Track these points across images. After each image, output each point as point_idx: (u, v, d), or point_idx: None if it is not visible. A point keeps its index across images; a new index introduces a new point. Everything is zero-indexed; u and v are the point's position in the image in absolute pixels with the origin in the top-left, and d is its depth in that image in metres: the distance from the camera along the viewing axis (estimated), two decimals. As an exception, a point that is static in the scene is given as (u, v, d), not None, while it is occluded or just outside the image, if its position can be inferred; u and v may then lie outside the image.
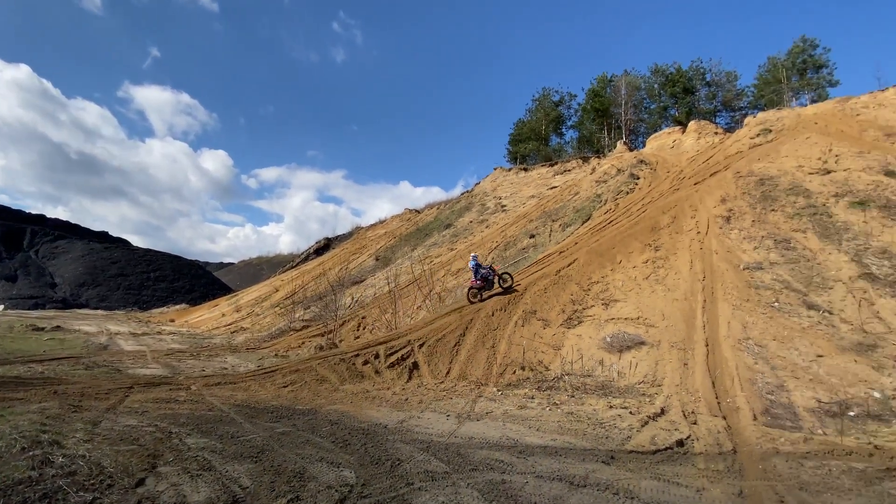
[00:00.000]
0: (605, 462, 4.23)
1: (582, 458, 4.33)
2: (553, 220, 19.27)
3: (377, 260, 26.52)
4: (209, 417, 5.54)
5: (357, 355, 9.91)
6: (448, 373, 9.26)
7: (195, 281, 50.53)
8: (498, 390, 7.89)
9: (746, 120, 21.16)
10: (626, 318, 9.29)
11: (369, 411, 6.32)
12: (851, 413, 5.68)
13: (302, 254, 41.66)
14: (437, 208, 32.51)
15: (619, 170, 21.53)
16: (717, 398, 6.26)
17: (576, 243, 14.47)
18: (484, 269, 11.76)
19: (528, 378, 8.36)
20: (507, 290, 11.61)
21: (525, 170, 31.29)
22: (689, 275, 10.17)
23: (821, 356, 6.88)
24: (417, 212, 34.80)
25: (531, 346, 9.28)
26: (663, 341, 8.19)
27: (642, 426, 5.28)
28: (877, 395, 6.01)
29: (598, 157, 28.22)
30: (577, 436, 5.03)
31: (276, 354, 12.66)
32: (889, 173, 12.09)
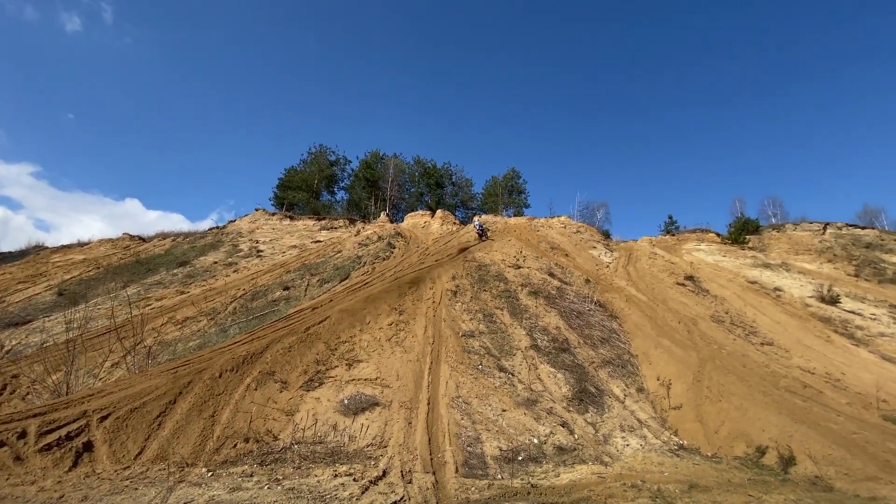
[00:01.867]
0: (319, 542, 3.92)
1: (294, 542, 3.90)
2: (312, 275, 18.80)
3: (61, 295, 19.29)
4: None
5: (-20, 436, 6.54)
6: (141, 453, 7.13)
7: None
8: (209, 471, 6.52)
9: (475, 218, 27.06)
10: (366, 379, 9.54)
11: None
12: (520, 458, 7.26)
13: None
14: (173, 240, 27.01)
15: (380, 237, 23.37)
16: (431, 455, 6.94)
17: (331, 301, 14.40)
18: (484, 229, 21.61)
19: (251, 451, 7.29)
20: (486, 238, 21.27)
21: (291, 218, 30.12)
22: (423, 338, 11.47)
23: (505, 410, 8.71)
24: (142, 240, 27.97)
25: (262, 413, 8.26)
26: (395, 401, 8.72)
27: (363, 493, 5.26)
28: (535, 441, 7.93)
29: (364, 222, 30.07)
30: (293, 516, 4.54)
31: None
32: (551, 274, 17.38)
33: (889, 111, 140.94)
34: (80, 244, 28.38)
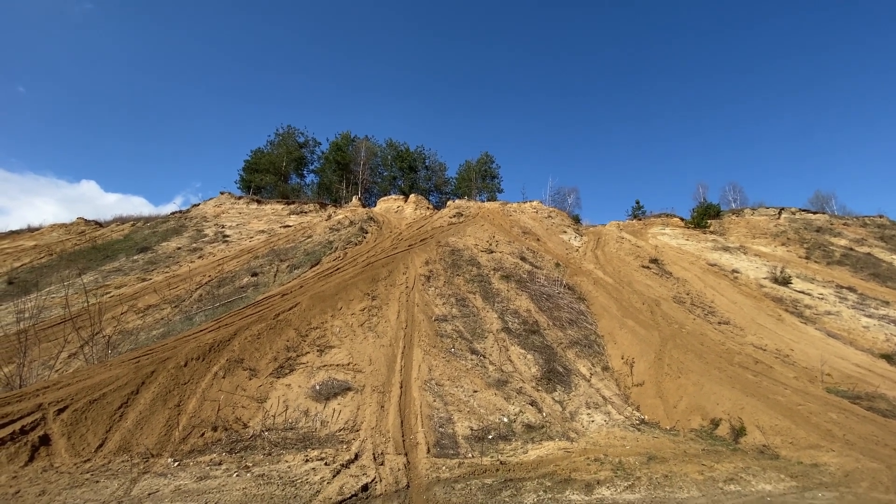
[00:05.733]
0: (288, 526, 3.94)
1: (262, 528, 3.89)
2: (281, 261, 18.39)
3: (11, 284, 18.23)
4: None
5: (-83, 436, 6.18)
6: (102, 445, 6.90)
7: None
8: (175, 461, 6.39)
9: (449, 203, 27.00)
10: (337, 365, 9.49)
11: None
12: (490, 436, 7.45)
13: None
14: (133, 225, 25.78)
15: (351, 221, 23.01)
16: (403, 436, 7.03)
17: (301, 287, 14.15)
18: None
19: (219, 440, 7.17)
20: None
21: (258, 202, 29.20)
22: (395, 323, 11.48)
23: (476, 391, 8.89)
24: (99, 224, 26.56)
25: (230, 401, 8.11)
26: (367, 386, 8.74)
27: (334, 476, 5.29)
28: (505, 419, 8.15)
29: (336, 206, 29.49)
30: (262, 502, 4.53)
31: None
32: (523, 258, 17.63)
33: (843, 107, 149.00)
34: (31, 230, 26.74)
